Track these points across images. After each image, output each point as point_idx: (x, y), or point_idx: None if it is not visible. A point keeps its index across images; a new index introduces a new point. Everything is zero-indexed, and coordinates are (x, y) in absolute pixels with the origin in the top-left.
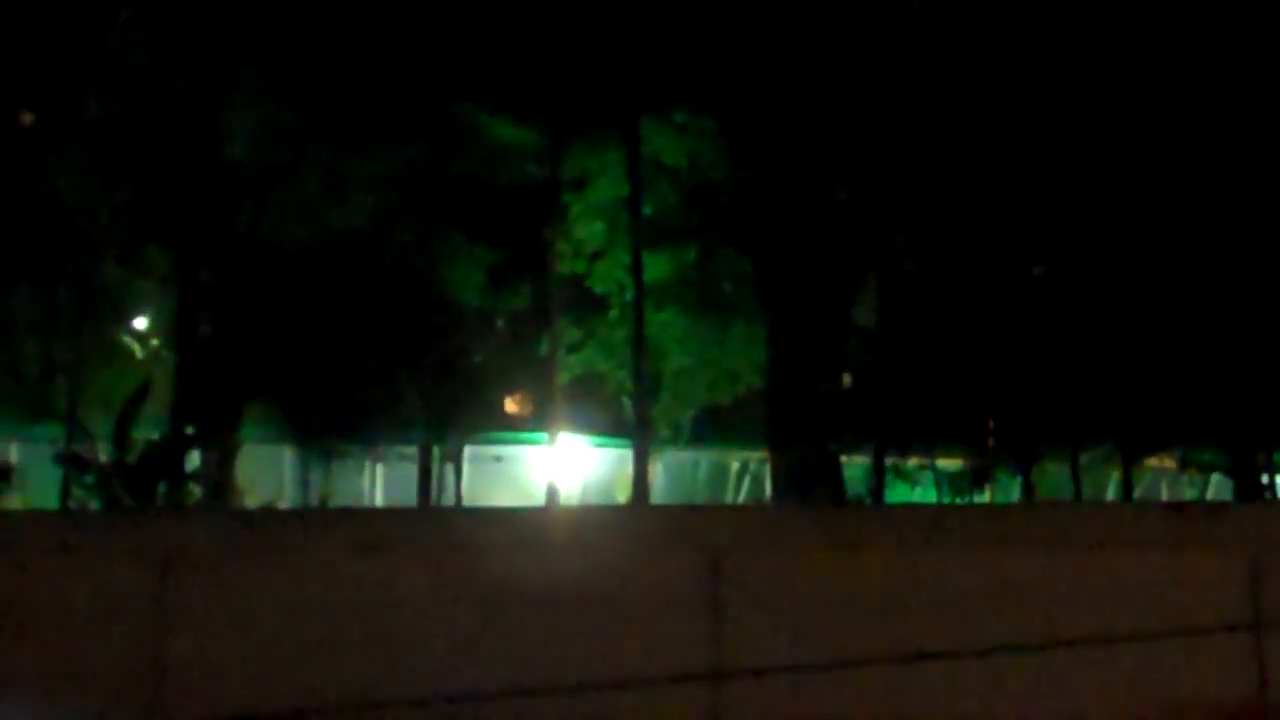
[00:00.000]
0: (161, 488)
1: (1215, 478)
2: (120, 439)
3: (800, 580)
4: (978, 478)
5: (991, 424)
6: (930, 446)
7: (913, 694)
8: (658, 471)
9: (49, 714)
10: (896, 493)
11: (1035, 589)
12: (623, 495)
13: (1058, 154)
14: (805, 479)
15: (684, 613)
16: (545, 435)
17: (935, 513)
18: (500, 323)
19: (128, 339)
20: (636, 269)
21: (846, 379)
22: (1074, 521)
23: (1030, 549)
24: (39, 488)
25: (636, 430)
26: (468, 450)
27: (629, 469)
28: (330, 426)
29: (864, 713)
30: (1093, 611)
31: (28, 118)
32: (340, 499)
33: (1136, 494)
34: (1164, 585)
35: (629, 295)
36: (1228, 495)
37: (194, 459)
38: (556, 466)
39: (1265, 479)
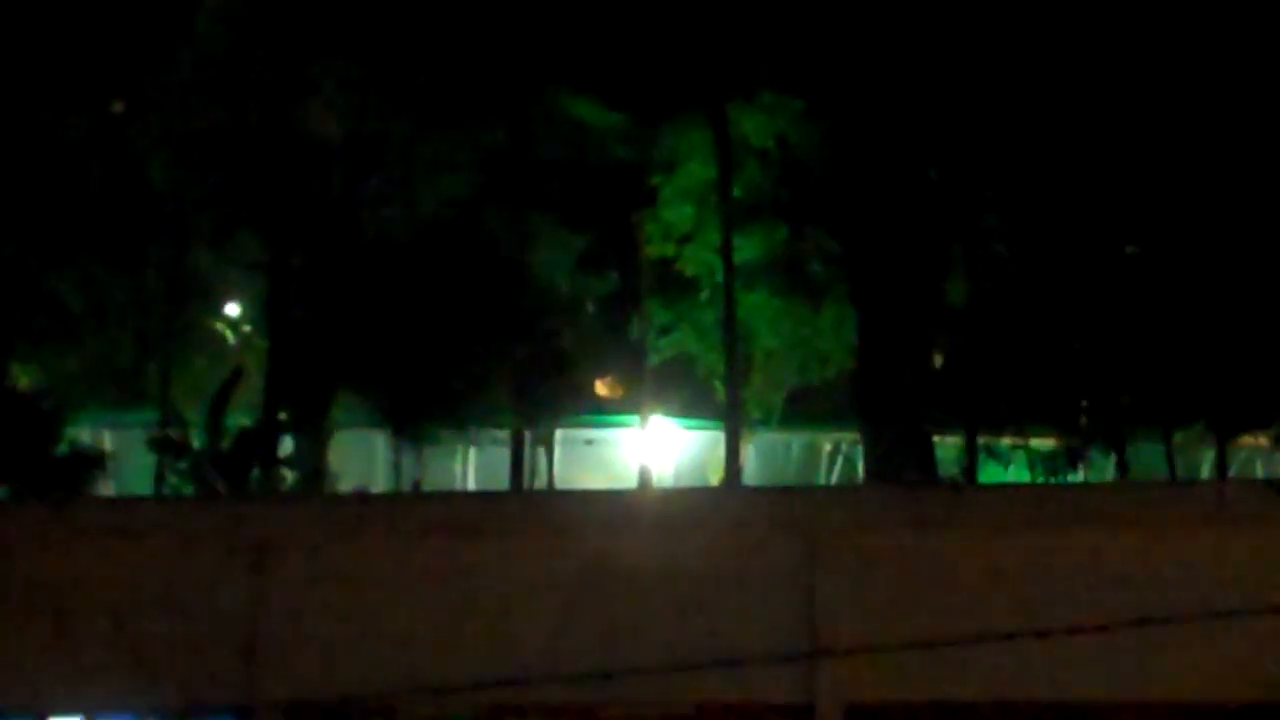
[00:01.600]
0: (254, 473)
1: None
2: (213, 425)
3: (894, 561)
4: (1071, 457)
5: (1084, 403)
6: (1023, 426)
7: (1010, 673)
8: (750, 453)
9: (149, 692)
10: (989, 472)
11: (1132, 568)
12: (715, 478)
13: (1150, 130)
14: (897, 460)
15: (778, 594)
16: (636, 418)
17: (1029, 493)
18: (590, 306)
19: (220, 325)
20: (726, 250)
21: (938, 359)
22: (1170, 501)
23: (1127, 529)
24: (133, 474)
25: (728, 412)
26: (559, 433)
27: (721, 451)
28: (422, 411)
29: (961, 691)
30: (1191, 589)
31: (119, 106)
32: (433, 484)
33: (1231, 473)
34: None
35: (719, 277)
36: None
37: (287, 445)
38: (648, 449)
39: None
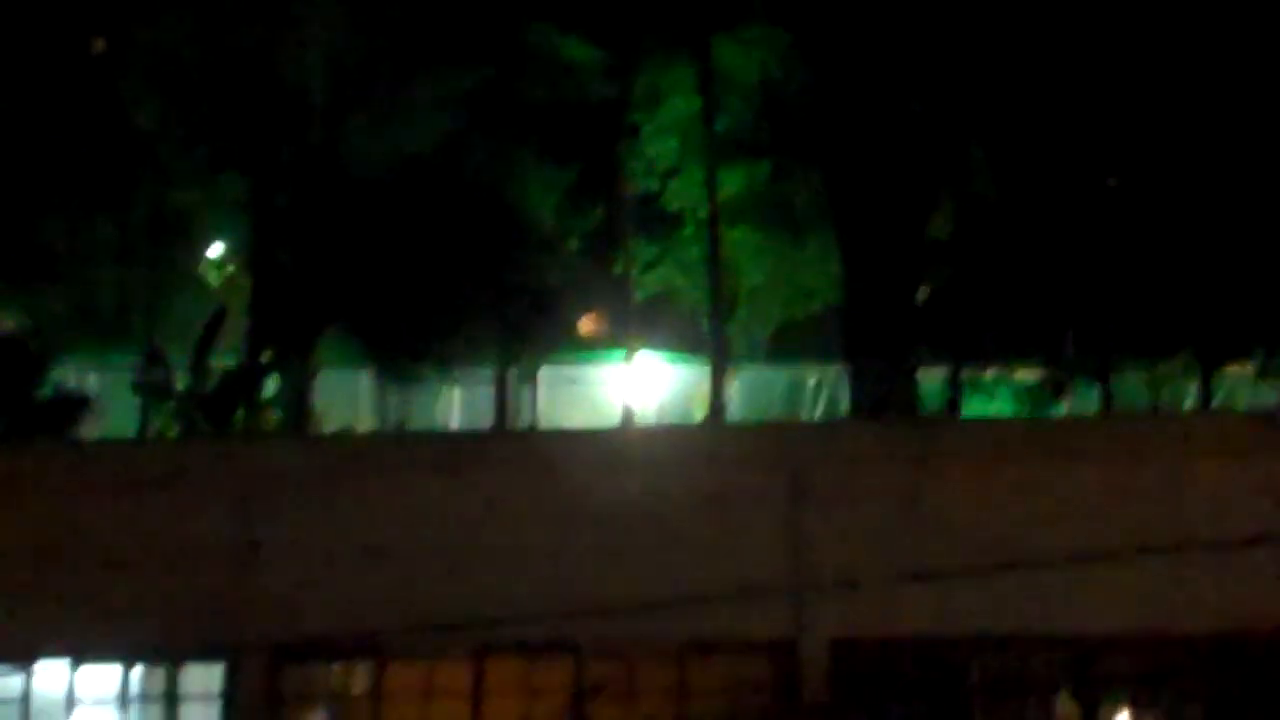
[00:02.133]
0: (239, 414)
1: None
2: (198, 366)
3: (879, 494)
4: (1056, 389)
5: (1069, 334)
6: (1007, 358)
7: (993, 604)
8: (734, 389)
9: (136, 635)
10: (974, 405)
11: (1111, 498)
12: (699, 413)
13: (1130, 61)
14: (882, 393)
15: (762, 529)
16: (621, 354)
17: (1014, 426)
18: (574, 242)
19: (203, 266)
20: (710, 186)
21: (923, 292)
22: (1150, 433)
23: (1109, 459)
24: (118, 417)
25: (713, 347)
26: (544, 371)
27: (705, 387)
28: (406, 350)
29: (945, 626)
30: (1174, 519)
31: (99, 44)
32: (418, 422)
33: (1216, 402)
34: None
35: (703, 212)
36: None
37: (271, 385)
38: (633, 386)
39: None
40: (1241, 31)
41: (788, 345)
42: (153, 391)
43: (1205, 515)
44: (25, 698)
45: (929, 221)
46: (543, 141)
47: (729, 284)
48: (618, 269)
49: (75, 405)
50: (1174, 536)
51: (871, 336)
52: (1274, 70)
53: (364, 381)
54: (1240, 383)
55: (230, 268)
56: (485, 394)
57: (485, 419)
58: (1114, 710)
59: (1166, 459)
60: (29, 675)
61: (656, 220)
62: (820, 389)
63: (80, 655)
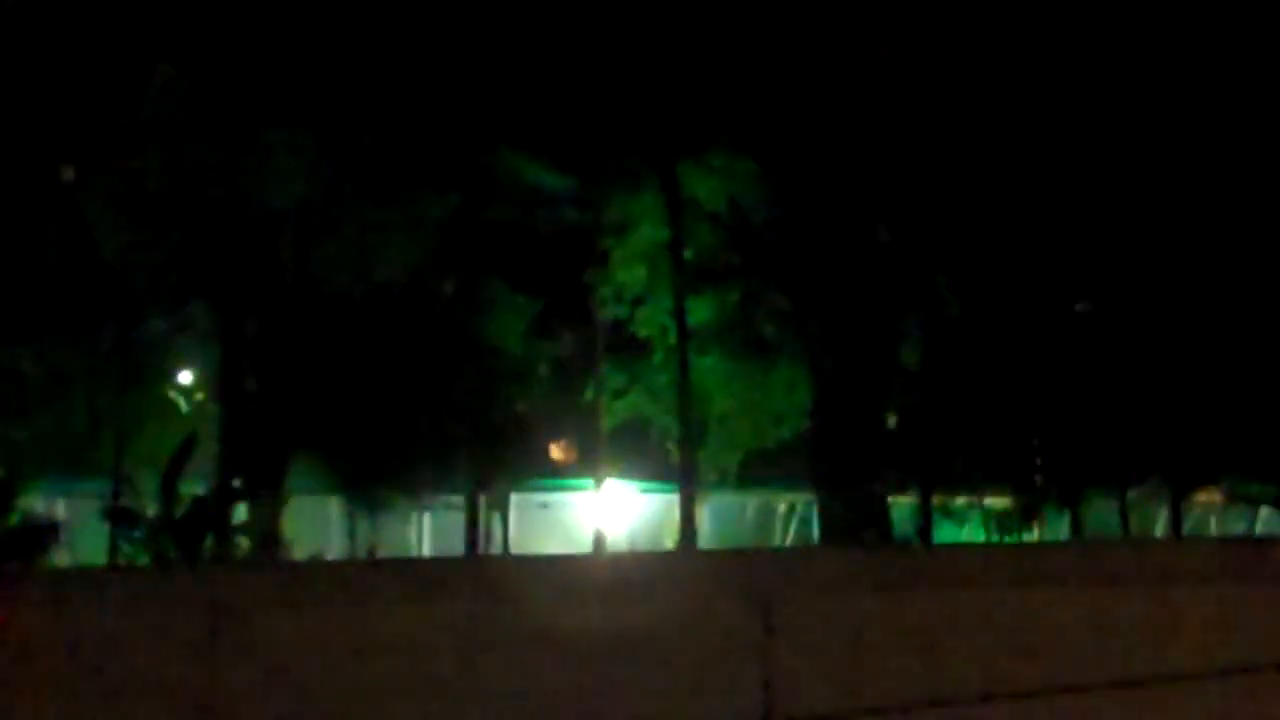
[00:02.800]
0: (209, 541)
1: (1263, 511)
2: (167, 493)
3: (851, 623)
4: (1026, 515)
5: (1039, 461)
6: (977, 485)
7: None
8: (705, 516)
9: None
10: (944, 532)
11: (1088, 627)
12: (670, 541)
13: (1103, 192)
14: (853, 520)
15: (733, 659)
16: (591, 481)
17: (984, 552)
18: (544, 369)
19: (173, 394)
20: (679, 313)
21: (892, 419)
22: (1125, 558)
23: (1083, 587)
24: (87, 543)
25: (683, 475)
26: (514, 498)
27: (676, 514)
28: (376, 477)
29: None
30: (1149, 650)
31: (69, 172)
32: (388, 549)
33: (1185, 529)
34: (1223, 622)
35: (672, 339)
36: (1276, 528)
37: (241, 512)
38: (603, 512)
39: None
40: (1198, 160)
41: (757, 472)
42: (122, 519)
43: (1183, 644)
44: None
45: (898, 348)
46: (512, 268)
47: (698, 411)
48: (587, 396)
49: (44, 532)
50: (1152, 667)
51: (841, 463)
52: (1237, 207)
53: (334, 508)
54: (1210, 509)
55: (200, 395)
56: (456, 520)
57: (456, 545)
58: None
59: (1143, 586)
60: None
61: (626, 347)
62: (790, 516)
63: None
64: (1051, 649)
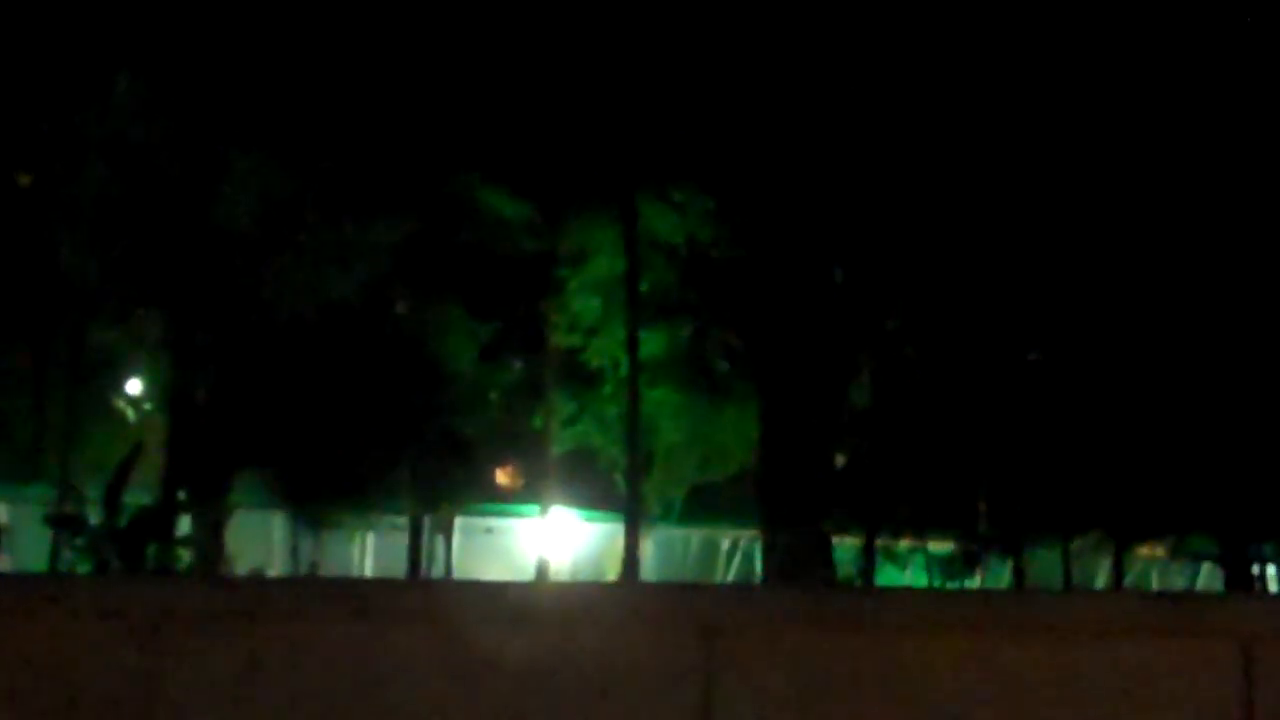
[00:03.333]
0: (151, 552)
1: (1206, 566)
2: (111, 502)
3: (793, 661)
4: (968, 561)
5: (983, 508)
6: (922, 529)
7: None
8: (648, 548)
9: None
10: (886, 575)
11: (1029, 679)
12: (613, 571)
13: (1053, 241)
14: (796, 559)
15: (676, 692)
16: (537, 508)
17: (926, 597)
18: (494, 394)
19: (121, 402)
20: (632, 345)
21: (839, 459)
22: (1066, 609)
23: (1023, 636)
24: (29, 549)
25: (628, 506)
26: (459, 521)
27: (620, 544)
28: (322, 494)
29: None
30: (1084, 704)
31: (25, 179)
32: (330, 568)
33: (1127, 581)
34: (1158, 678)
35: (624, 371)
36: (1217, 584)
37: (185, 524)
38: (547, 539)
39: (1256, 569)
40: (1156, 214)
41: (703, 506)
42: (65, 525)
43: (1117, 699)
44: None
45: (848, 389)
46: (467, 293)
47: (646, 442)
48: (537, 423)
49: None
50: (1096, 716)
51: (787, 501)
52: (1185, 266)
53: (278, 524)
54: (1152, 564)
55: (148, 405)
56: (400, 541)
57: (399, 567)
58: None
59: (1079, 637)
60: None
61: (577, 376)
62: (734, 552)
63: None
64: (988, 698)
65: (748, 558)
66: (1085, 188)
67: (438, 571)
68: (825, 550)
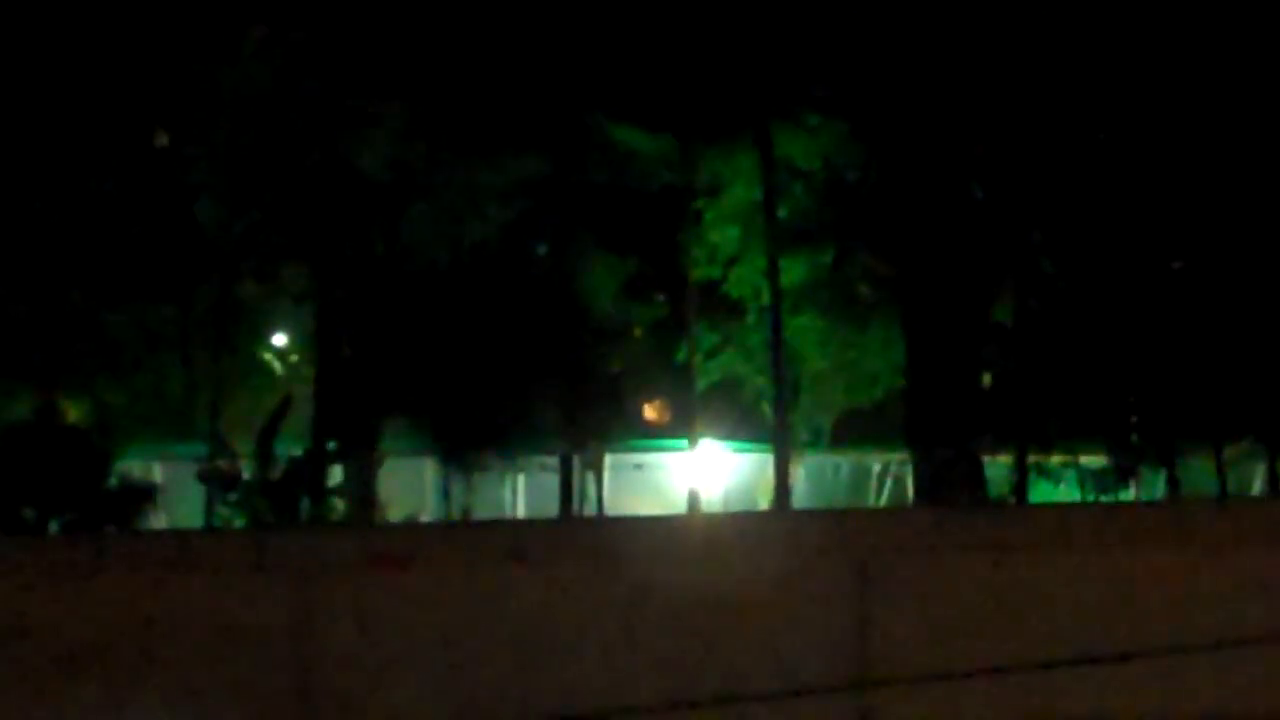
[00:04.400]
0: (304, 503)
1: None
2: (262, 455)
3: (947, 584)
4: (1121, 474)
5: (1135, 420)
6: (1073, 443)
7: (1063, 698)
8: (799, 476)
9: None
10: (1039, 491)
11: (1184, 588)
12: (764, 500)
13: (1197, 146)
14: (948, 480)
15: (830, 618)
16: (685, 442)
17: (1076, 512)
18: (637, 330)
19: (268, 356)
20: (773, 273)
21: (987, 378)
22: (1219, 519)
23: (1179, 547)
24: (183, 506)
25: (776, 435)
26: (608, 458)
27: (770, 474)
28: (471, 438)
29: (1010, 716)
30: (1239, 611)
31: (163, 138)
32: (482, 511)
33: None
34: None
35: (765, 299)
36: None
37: (336, 474)
38: (697, 472)
39: None
40: None
41: (852, 432)
42: (217, 481)
43: (1265, 604)
44: None
45: (992, 307)
46: (605, 230)
47: (792, 371)
48: (681, 356)
49: (141, 495)
50: (1247, 624)
51: (936, 423)
52: None
53: (428, 470)
54: None
55: (294, 357)
56: (550, 481)
57: (550, 506)
58: None
59: (1237, 545)
60: None
61: (719, 308)
62: (885, 476)
63: None
64: (1148, 611)
65: (899, 481)
66: (1228, 89)
67: (589, 509)
68: (976, 470)
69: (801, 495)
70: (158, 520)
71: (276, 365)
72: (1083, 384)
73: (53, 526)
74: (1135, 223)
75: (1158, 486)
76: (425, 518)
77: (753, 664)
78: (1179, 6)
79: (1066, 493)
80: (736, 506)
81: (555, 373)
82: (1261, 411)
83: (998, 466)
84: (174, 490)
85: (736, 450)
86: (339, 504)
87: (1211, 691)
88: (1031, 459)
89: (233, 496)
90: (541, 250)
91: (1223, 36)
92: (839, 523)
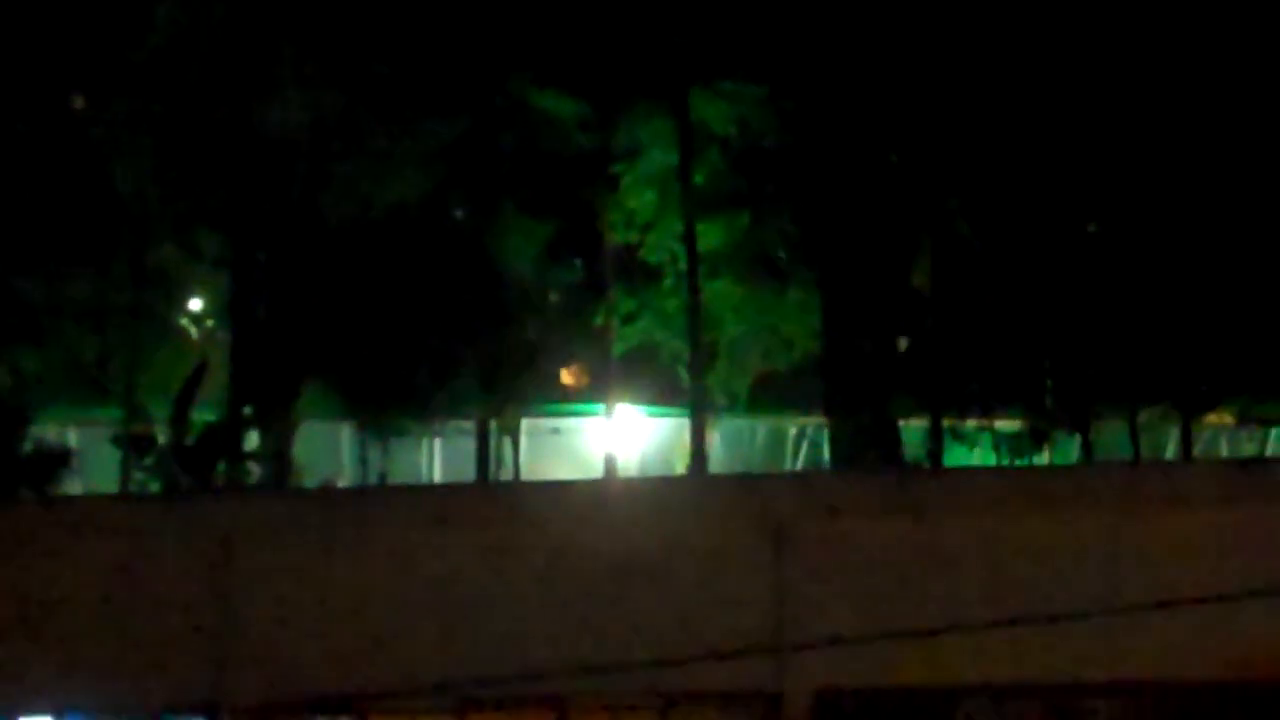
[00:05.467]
0: (220, 468)
1: (1275, 432)
2: (178, 420)
3: (861, 547)
4: (1036, 438)
5: (1049, 384)
6: (988, 408)
7: (977, 657)
8: (715, 440)
9: (116, 693)
10: (954, 455)
11: (1100, 549)
12: (681, 465)
13: (1109, 108)
14: (863, 444)
15: (746, 583)
16: (602, 406)
17: (994, 474)
18: (554, 295)
19: (183, 321)
20: (689, 238)
21: (902, 342)
22: (1133, 481)
23: (1093, 509)
24: (98, 471)
25: (693, 399)
26: (525, 423)
27: (686, 438)
28: (387, 402)
29: (928, 676)
30: (1156, 572)
31: (79, 101)
32: (399, 475)
33: (1196, 451)
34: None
35: (682, 264)
36: None
37: (252, 439)
38: (614, 437)
39: None
40: (1216, 88)
41: (768, 396)
42: (133, 446)
43: (1184, 566)
44: None
45: (909, 271)
46: (523, 194)
47: (708, 336)
48: (598, 321)
49: (56, 461)
50: (1154, 587)
51: (852, 387)
52: (1247, 126)
53: (345, 434)
54: (1220, 432)
55: (210, 322)
56: (467, 446)
57: (467, 471)
58: None
59: (1149, 508)
60: None
61: (636, 273)
62: (801, 440)
63: (62, 711)
64: (1062, 568)
65: (815, 445)
66: (1143, 47)
67: (506, 474)
68: (892, 434)
69: (718, 460)
70: (73, 485)
71: (193, 330)
72: (999, 348)
73: None
74: (1051, 186)
75: (1072, 451)
76: (342, 483)
77: (669, 628)
78: None
79: (981, 456)
80: (653, 471)
81: (472, 337)
82: (1175, 376)
83: (912, 430)
84: (90, 455)
85: (653, 415)
86: (255, 469)
87: (1144, 655)
88: (947, 423)
89: (149, 461)
90: (459, 214)
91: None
92: (755, 487)
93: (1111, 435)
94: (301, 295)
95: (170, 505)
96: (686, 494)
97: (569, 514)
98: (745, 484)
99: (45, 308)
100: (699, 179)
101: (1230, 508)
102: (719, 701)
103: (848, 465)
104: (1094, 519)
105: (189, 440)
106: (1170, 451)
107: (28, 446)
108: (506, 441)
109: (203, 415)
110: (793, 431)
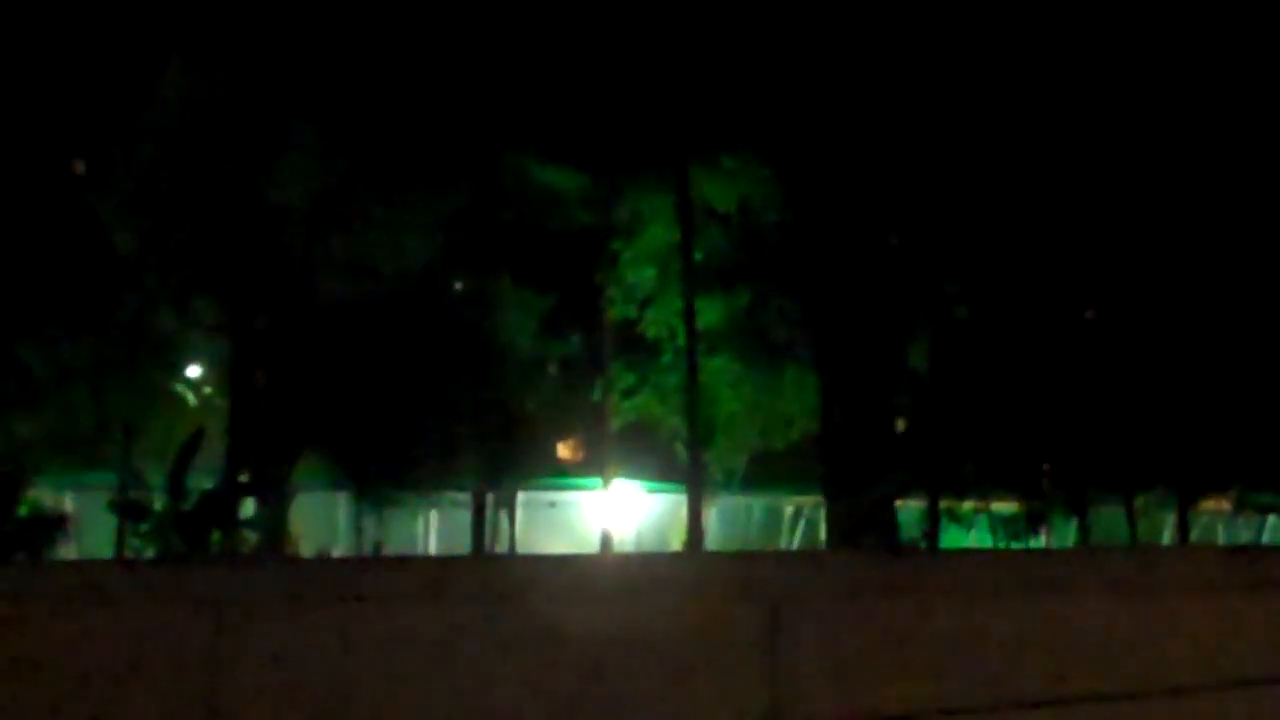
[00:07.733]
0: (216, 535)
1: (1272, 519)
2: (175, 487)
3: (859, 628)
4: (1033, 521)
5: (1046, 467)
6: (985, 490)
7: None
8: (712, 517)
9: None
10: (951, 536)
11: (1099, 636)
12: (677, 541)
13: (1111, 197)
14: (860, 524)
15: (741, 663)
16: (599, 480)
17: (992, 558)
18: (553, 368)
19: (181, 387)
20: (689, 314)
21: (900, 423)
22: (1136, 566)
23: (1093, 594)
24: (94, 536)
25: (690, 476)
26: (521, 496)
27: (683, 514)
28: (384, 474)
29: None
30: (1156, 660)
31: (79, 166)
32: (395, 546)
33: (1193, 537)
34: (1227, 634)
35: (681, 341)
36: None
37: (248, 507)
38: (610, 512)
39: None
40: (1213, 174)
41: (765, 474)
42: (129, 512)
43: (1186, 654)
44: None
45: (906, 352)
46: (522, 267)
47: (706, 412)
48: (596, 396)
49: (52, 525)
50: (1154, 675)
51: (849, 466)
52: (1245, 214)
53: (341, 504)
54: (1218, 517)
55: (208, 389)
56: (463, 517)
57: (463, 542)
58: None
59: (1147, 594)
60: None
61: (635, 348)
62: (798, 518)
63: None
64: (1062, 657)
65: (811, 524)
66: (1142, 140)
67: (501, 547)
68: (889, 514)
69: (714, 537)
70: (68, 550)
71: (190, 397)
72: (996, 430)
73: None
74: (1049, 272)
75: (1069, 534)
76: (337, 552)
77: (662, 705)
78: (1087, 63)
79: (978, 538)
80: (649, 547)
81: (471, 409)
82: (1172, 461)
83: (909, 511)
84: (86, 520)
85: (650, 490)
86: (251, 537)
87: None
88: (943, 504)
89: (145, 527)
90: (459, 286)
91: (1126, 91)
92: (751, 565)
93: (1108, 519)
94: (300, 365)
95: (165, 571)
96: (682, 571)
97: (563, 589)
98: (742, 562)
99: (42, 372)
100: (699, 256)
101: (1226, 597)
102: None
103: (844, 545)
104: (1095, 604)
105: (185, 507)
106: (1167, 537)
107: (23, 510)
108: (503, 514)
109: (200, 483)
110: (789, 510)
